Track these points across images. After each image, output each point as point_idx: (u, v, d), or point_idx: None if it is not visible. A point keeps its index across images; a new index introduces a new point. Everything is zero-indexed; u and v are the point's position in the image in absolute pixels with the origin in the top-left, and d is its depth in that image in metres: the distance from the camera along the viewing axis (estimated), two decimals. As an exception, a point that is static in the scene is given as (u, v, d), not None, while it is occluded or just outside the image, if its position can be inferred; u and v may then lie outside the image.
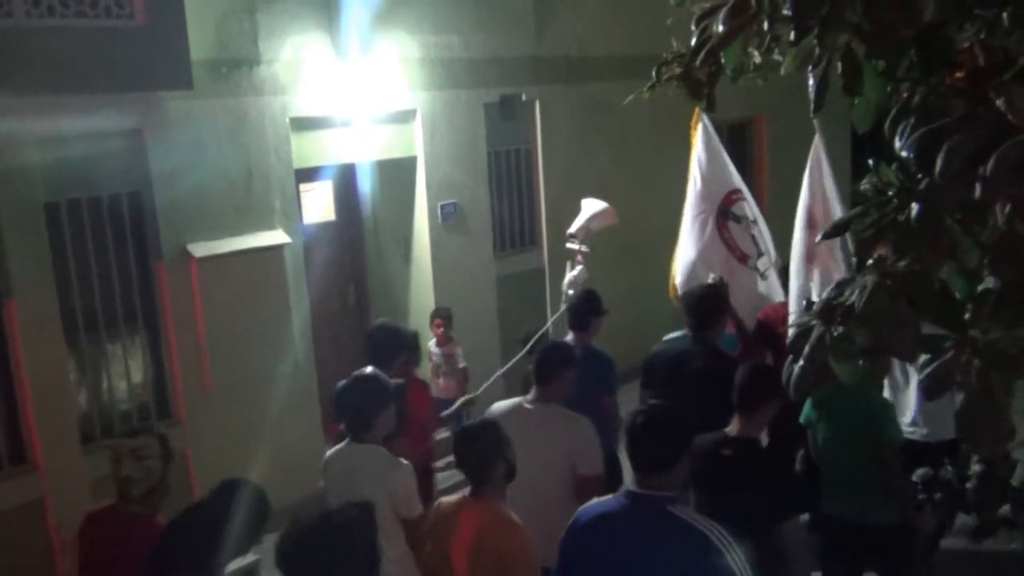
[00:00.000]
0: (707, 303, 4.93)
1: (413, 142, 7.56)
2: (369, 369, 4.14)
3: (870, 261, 1.62)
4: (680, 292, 6.10)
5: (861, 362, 1.67)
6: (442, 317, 7.29)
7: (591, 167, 8.92)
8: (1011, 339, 1.55)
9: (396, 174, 7.70)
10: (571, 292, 6.15)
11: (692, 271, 6.21)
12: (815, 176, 5.85)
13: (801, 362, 1.65)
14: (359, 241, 7.99)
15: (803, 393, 1.67)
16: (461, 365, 7.23)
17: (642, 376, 5.09)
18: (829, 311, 1.63)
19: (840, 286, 1.67)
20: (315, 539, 2.26)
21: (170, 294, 6.02)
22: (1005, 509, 2.82)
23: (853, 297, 1.60)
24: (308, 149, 6.88)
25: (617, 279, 7.88)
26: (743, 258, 6.23)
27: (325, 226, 7.63)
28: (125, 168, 5.83)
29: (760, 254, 6.22)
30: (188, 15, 5.64)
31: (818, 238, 5.40)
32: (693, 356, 4.78)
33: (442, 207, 7.72)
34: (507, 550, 3.20)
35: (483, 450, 3.31)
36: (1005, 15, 1.61)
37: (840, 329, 1.61)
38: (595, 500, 3.20)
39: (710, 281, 5.86)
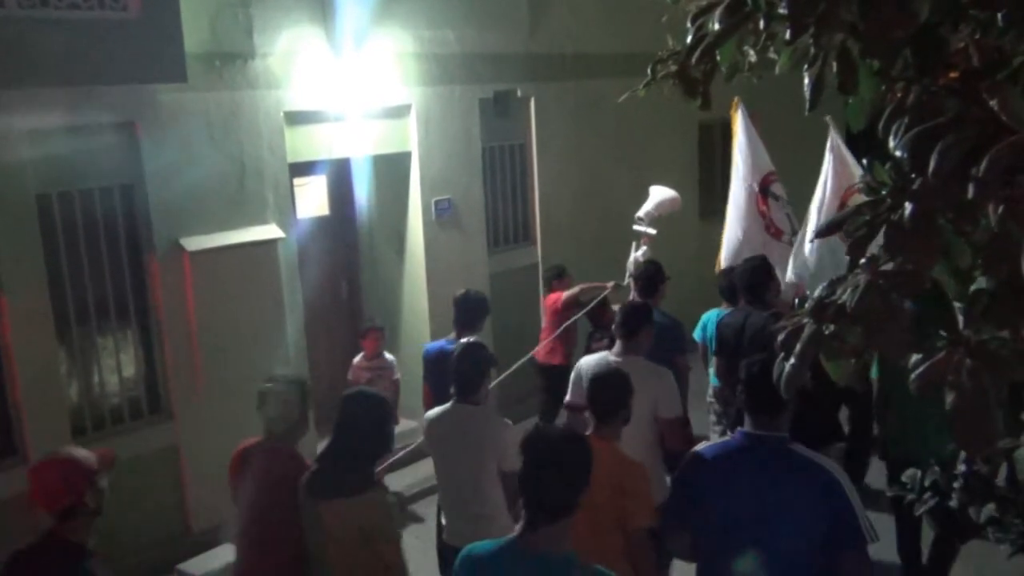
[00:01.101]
0: (754, 276, 5.58)
1: (407, 137, 7.55)
2: (475, 338, 4.71)
3: (863, 260, 1.63)
4: (723, 266, 6.97)
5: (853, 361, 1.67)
6: (378, 330, 6.91)
7: (586, 164, 8.93)
8: (1003, 339, 1.55)
9: (390, 169, 7.68)
10: (632, 269, 6.73)
11: (737, 248, 7.02)
12: (838, 167, 6.66)
13: (792, 360, 1.65)
14: (353, 236, 7.97)
15: (794, 391, 1.68)
16: (396, 377, 6.84)
17: (715, 346, 5.79)
18: (821, 309, 1.63)
19: (832, 284, 1.67)
20: (561, 443, 2.72)
21: (162, 288, 6.00)
22: (990, 508, 2.83)
23: (845, 296, 1.60)
24: (302, 143, 6.87)
25: (611, 273, 7.88)
26: (777, 233, 7.05)
27: (319, 221, 7.62)
28: (117, 161, 5.80)
29: (795, 231, 6.94)
30: (182, 8, 5.62)
31: (811, 236, 5.73)
32: (757, 323, 5.32)
33: (436, 203, 7.71)
34: (626, 480, 3.57)
35: (615, 394, 3.77)
36: (999, 16, 1.62)
37: (832, 327, 1.62)
38: (711, 442, 3.47)
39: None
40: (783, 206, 7.07)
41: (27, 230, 5.34)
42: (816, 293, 1.70)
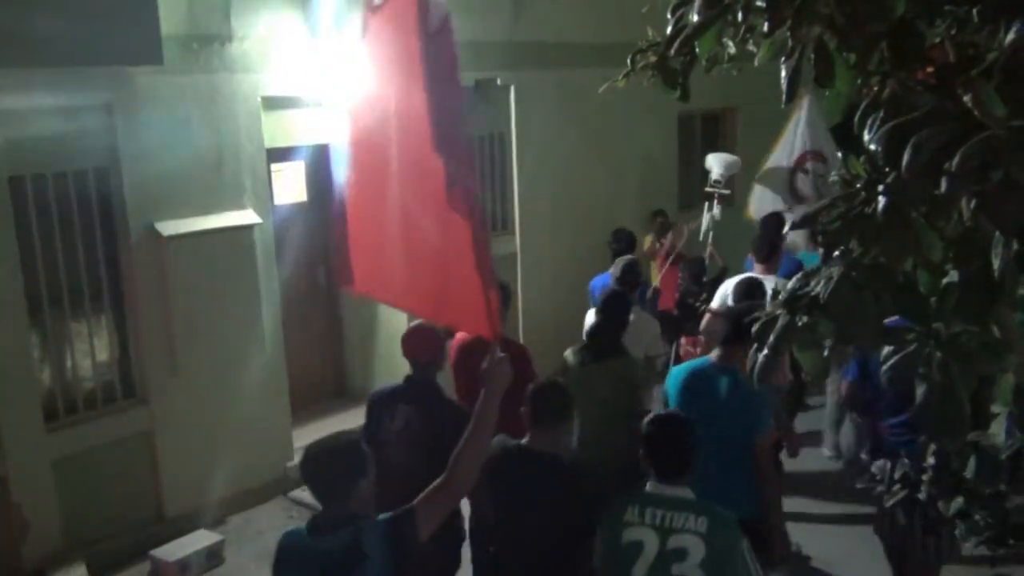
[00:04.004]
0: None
1: (387, 124, 7.50)
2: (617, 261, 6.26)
3: (836, 252, 1.64)
4: (755, 216, 7.82)
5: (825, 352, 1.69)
6: None
7: (566, 153, 8.92)
8: (973, 333, 1.58)
9: (369, 156, 7.63)
10: (710, 233, 7.90)
11: (765, 201, 8.01)
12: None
13: (765, 351, 1.67)
14: (330, 223, 7.91)
15: (766, 381, 1.69)
16: None
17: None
18: (794, 301, 1.65)
19: (807, 276, 1.68)
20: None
21: (137, 273, 5.94)
22: (959, 502, 2.87)
23: (818, 288, 1.62)
24: (280, 129, 6.81)
25: (598, 264, 7.91)
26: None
27: (296, 207, 7.56)
28: (93, 144, 5.73)
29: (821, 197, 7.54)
30: (159, -11, 5.55)
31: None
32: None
33: (415, 190, 7.67)
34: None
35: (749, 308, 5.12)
36: (975, 12, 1.63)
37: (805, 319, 1.63)
38: None
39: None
40: (815, 180, 7.95)
41: (-1, 212, 5.27)
42: (790, 285, 1.71)
